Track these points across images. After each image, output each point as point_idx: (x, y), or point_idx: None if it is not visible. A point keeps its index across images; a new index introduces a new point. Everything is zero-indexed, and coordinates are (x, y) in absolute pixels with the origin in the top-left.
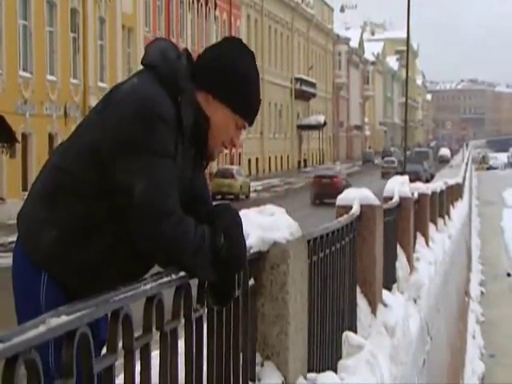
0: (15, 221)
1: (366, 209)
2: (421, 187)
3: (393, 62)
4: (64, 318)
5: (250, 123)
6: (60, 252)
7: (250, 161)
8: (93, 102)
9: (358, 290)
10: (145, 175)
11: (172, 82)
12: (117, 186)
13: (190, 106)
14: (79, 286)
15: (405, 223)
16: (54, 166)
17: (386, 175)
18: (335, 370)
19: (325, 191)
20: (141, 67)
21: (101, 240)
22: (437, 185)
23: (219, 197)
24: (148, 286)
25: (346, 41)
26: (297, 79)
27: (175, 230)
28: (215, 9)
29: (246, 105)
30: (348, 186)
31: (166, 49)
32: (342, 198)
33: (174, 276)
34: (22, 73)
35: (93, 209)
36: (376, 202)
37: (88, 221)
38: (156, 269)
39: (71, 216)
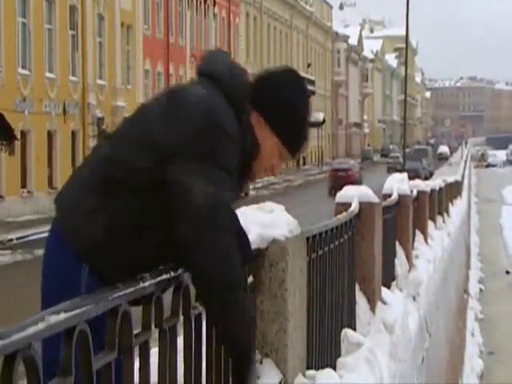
0: (14, 218)
1: (364, 206)
2: (420, 185)
3: (392, 59)
4: (63, 315)
5: (294, 158)
6: (106, 241)
7: None
8: (92, 99)
9: (357, 287)
10: (210, 184)
11: (238, 100)
12: (173, 188)
13: (248, 127)
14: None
15: (404, 221)
16: (104, 157)
17: (391, 170)
18: (334, 368)
19: (340, 183)
20: (140, 65)
21: (150, 236)
22: (436, 182)
23: None
24: (147, 284)
25: (345, 38)
26: None
27: (230, 250)
28: (214, 6)
29: (296, 140)
30: (361, 179)
31: (232, 64)
32: (341, 196)
33: (172, 274)
34: (20, 70)
35: (144, 203)
36: (375, 199)
37: (140, 213)
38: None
39: (122, 207)
